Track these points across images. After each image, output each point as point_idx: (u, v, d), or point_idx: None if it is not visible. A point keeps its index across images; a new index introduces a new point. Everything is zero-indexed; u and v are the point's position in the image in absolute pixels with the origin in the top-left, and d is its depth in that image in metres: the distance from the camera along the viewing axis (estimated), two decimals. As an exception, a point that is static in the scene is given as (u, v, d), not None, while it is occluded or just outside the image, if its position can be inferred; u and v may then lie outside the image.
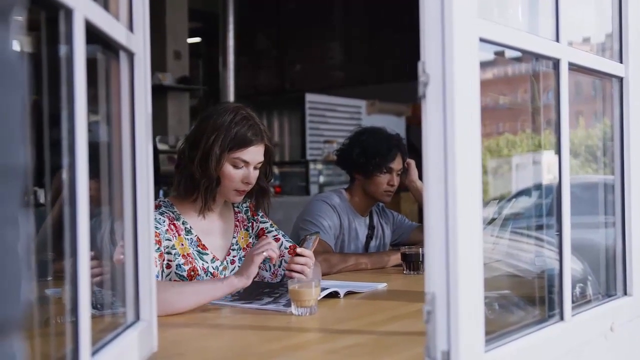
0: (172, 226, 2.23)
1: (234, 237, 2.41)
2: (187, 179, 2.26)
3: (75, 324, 1.03)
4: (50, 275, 1.41)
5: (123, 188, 1.39)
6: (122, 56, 1.37)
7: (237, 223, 2.44)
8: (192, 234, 2.28)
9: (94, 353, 1.11)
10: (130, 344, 1.31)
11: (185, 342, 1.69)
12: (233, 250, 2.39)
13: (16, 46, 0.62)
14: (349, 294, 2.24)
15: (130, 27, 1.38)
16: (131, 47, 1.36)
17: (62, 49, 1.04)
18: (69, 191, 1.02)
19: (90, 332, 1.05)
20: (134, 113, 1.39)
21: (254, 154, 2.26)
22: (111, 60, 1.36)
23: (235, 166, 2.24)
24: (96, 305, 1.39)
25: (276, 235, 2.46)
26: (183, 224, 2.28)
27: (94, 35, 1.13)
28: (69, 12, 1.01)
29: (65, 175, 1.04)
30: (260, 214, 2.50)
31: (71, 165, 1.02)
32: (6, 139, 0.58)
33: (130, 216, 1.40)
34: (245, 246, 2.42)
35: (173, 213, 2.27)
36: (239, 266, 2.34)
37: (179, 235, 2.24)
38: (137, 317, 1.40)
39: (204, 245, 2.30)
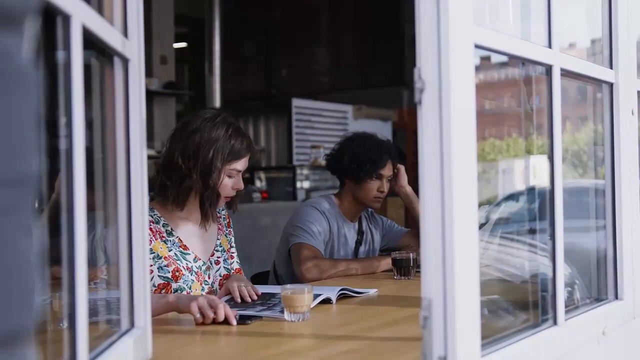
0: (149, 230, 2.25)
1: (218, 239, 2.47)
2: (185, 191, 2.30)
3: (72, 331, 1.02)
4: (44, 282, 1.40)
5: (117, 194, 1.39)
6: (117, 62, 1.36)
7: (220, 226, 2.51)
8: (173, 235, 2.33)
9: (90, 361, 1.10)
10: (125, 351, 1.30)
11: (179, 349, 1.69)
12: (217, 251, 2.46)
13: (29, 54, 0.61)
14: (342, 297, 2.24)
15: (125, 33, 1.38)
16: (126, 53, 1.36)
17: (59, 55, 1.03)
18: (67, 197, 1.02)
19: (87, 340, 1.04)
20: (129, 119, 1.39)
21: (245, 162, 2.37)
22: (105, 66, 1.36)
23: (230, 176, 2.33)
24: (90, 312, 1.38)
25: (233, 253, 2.55)
26: (164, 226, 2.33)
27: (89, 41, 1.13)
28: (66, 18, 1.01)
29: (59, 181, 1.04)
30: (231, 227, 2.59)
31: (69, 171, 1.02)
32: (20, 147, 0.58)
33: (125, 223, 1.39)
34: (227, 249, 2.50)
35: (152, 216, 2.31)
36: (223, 267, 2.44)
37: (157, 239, 2.28)
38: (132, 325, 1.40)
39: (185, 245, 2.34)
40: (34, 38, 0.63)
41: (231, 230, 2.58)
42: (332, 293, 2.20)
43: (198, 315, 1.87)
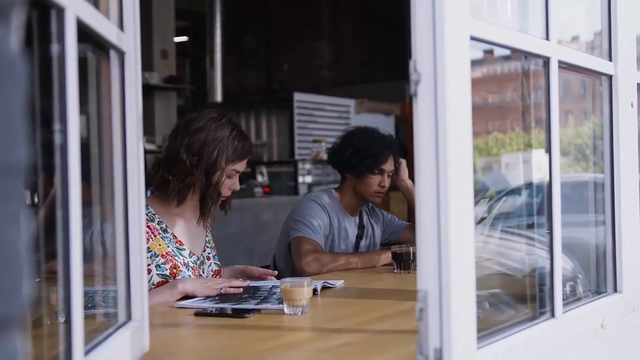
0: (146, 228, 2.26)
1: (207, 236, 2.52)
2: (186, 188, 2.33)
3: (68, 324, 1.03)
4: (40, 276, 1.40)
5: (114, 188, 1.39)
6: (113, 55, 1.36)
7: (208, 225, 2.55)
8: (168, 232, 2.35)
9: (86, 353, 1.10)
10: (122, 343, 1.30)
11: (177, 342, 1.69)
12: (208, 247, 2.50)
13: (16, 45, 0.62)
14: (324, 288, 2.30)
15: (121, 26, 1.37)
16: (122, 46, 1.36)
17: (54, 48, 1.03)
18: (62, 192, 1.02)
19: (83, 332, 1.05)
20: (125, 113, 1.39)
21: (244, 164, 2.43)
22: (101, 60, 1.35)
23: (229, 176, 2.37)
24: (87, 305, 1.39)
25: (210, 253, 2.56)
26: (158, 223, 2.35)
27: (84, 34, 1.13)
28: (60, 11, 1.01)
29: (57, 176, 1.04)
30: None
31: (63, 165, 1.02)
32: (8, 137, 0.58)
33: (121, 216, 1.39)
34: (213, 246, 2.56)
35: (147, 214, 2.32)
36: (214, 263, 2.50)
37: (155, 236, 2.31)
38: (129, 317, 1.40)
39: (180, 241, 2.37)
40: (21, 29, 0.64)
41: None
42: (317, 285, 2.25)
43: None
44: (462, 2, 1.24)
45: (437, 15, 1.19)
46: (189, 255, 2.37)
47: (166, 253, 2.30)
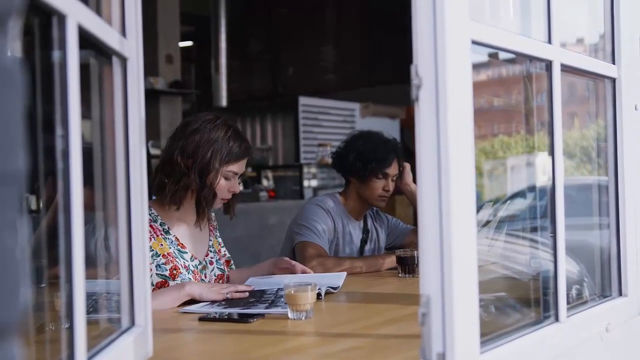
0: (148, 228, 2.27)
1: (210, 240, 2.52)
2: (182, 189, 2.33)
3: (70, 330, 1.03)
4: (44, 282, 1.41)
5: (117, 194, 1.39)
6: (115, 61, 1.37)
7: (211, 228, 2.56)
8: (170, 234, 2.36)
9: (89, 358, 1.11)
10: (125, 349, 1.30)
11: (180, 348, 1.69)
12: (211, 252, 2.50)
13: (14, 52, 0.62)
14: (328, 293, 2.29)
15: (123, 32, 1.38)
16: (124, 52, 1.36)
17: (55, 55, 1.04)
18: (64, 197, 1.02)
19: (85, 338, 1.05)
20: (127, 118, 1.39)
21: (242, 166, 2.41)
22: (104, 66, 1.36)
23: (226, 178, 2.37)
24: (90, 310, 1.39)
25: (225, 251, 2.60)
26: (161, 225, 2.36)
27: (86, 40, 1.13)
28: (62, 18, 1.01)
29: (59, 181, 1.04)
30: (217, 229, 2.63)
31: (65, 171, 1.02)
32: (6, 145, 0.59)
33: (125, 222, 1.40)
34: (217, 250, 2.55)
35: (150, 215, 2.33)
36: (217, 267, 2.49)
37: (157, 236, 2.32)
38: (132, 323, 1.40)
39: (182, 244, 2.38)
40: (18, 36, 0.64)
41: (217, 233, 2.62)
42: (332, 281, 2.27)
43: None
44: (463, 6, 1.24)
45: (438, 19, 1.19)
46: (191, 258, 2.38)
47: (167, 254, 2.31)
